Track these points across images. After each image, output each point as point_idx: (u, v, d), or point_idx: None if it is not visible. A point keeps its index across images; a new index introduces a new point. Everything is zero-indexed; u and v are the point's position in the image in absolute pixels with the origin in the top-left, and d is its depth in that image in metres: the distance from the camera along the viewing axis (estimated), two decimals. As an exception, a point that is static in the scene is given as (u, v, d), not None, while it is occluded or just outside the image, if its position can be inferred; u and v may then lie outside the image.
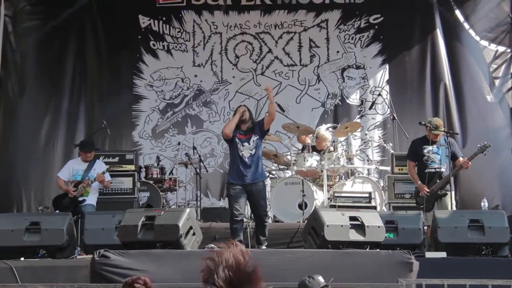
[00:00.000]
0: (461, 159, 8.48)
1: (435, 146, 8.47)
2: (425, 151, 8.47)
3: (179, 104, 12.50)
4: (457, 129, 11.45)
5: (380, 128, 12.15)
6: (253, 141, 7.94)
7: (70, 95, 12.07)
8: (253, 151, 7.91)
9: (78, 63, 12.14)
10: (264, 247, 7.81)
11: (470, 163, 8.42)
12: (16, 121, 11.74)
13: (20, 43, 11.68)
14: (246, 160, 7.88)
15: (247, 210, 8.72)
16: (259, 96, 12.25)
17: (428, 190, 8.30)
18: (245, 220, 8.29)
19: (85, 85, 12.21)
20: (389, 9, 12.33)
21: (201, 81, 12.54)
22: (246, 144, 7.92)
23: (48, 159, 11.69)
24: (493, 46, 11.82)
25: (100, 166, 9.14)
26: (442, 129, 8.56)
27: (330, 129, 11.71)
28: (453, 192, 8.55)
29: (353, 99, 12.43)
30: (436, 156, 8.44)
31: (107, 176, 9.10)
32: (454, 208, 8.60)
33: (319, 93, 12.50)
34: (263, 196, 8.06)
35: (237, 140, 7.94)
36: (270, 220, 9.03)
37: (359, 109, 12.36)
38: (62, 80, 12.02)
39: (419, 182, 8.44)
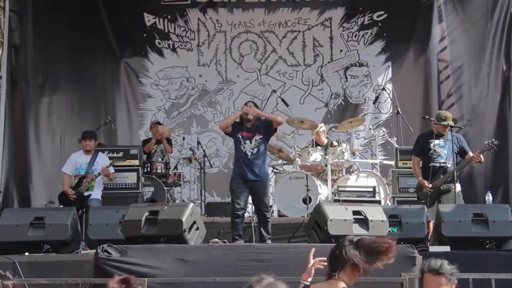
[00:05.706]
0: (471, 153, 8.33)
1: (442, 140, 8.33)
2: (431, 144, 8.33)
3: (184, 104, 12.54)
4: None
5: (384, 127, 12.10)
6: (256, 140, 7.97)
7: (79, 92, 12.07)
8: (255, 150, 7.94)
9: (85, 60, 12.13)
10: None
11: (482, 156, 8.26)
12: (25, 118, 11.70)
13: (26, 40, 11.66)
14: (249, 157, 7.93)
15: (252, 208, 8.74)
16: (263, 96, 12.27)
17: (430, 186, 8.19)
18: (249, 215, 8.27)
19: (93, 82, 12.22)
20: (392, 6, 12.31)
21: (206, 81, 12.58)
22: (248, 142, 7.96)
23: (55, 155, 11.65)
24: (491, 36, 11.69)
25: (103, 159, 9.11)
26: (450, 122, 8.38)
27: (333, 129, 11.74)
28: (458, 186, 8.40)
29: (356, 98, 12.43)
30: (443, 151, 8.29)
31: (111, 169, 9.06)
32: (462, 202, 8.43)
33: (322, 93, 12.52)
34: (265, 193, 8.05)
35: (240, 138, 7.99)
36: (275, 215, 9.00)
37: (362, 107, 12.36)
38: (69, 77, 12.02)
39: (420, 178, 8.34)
